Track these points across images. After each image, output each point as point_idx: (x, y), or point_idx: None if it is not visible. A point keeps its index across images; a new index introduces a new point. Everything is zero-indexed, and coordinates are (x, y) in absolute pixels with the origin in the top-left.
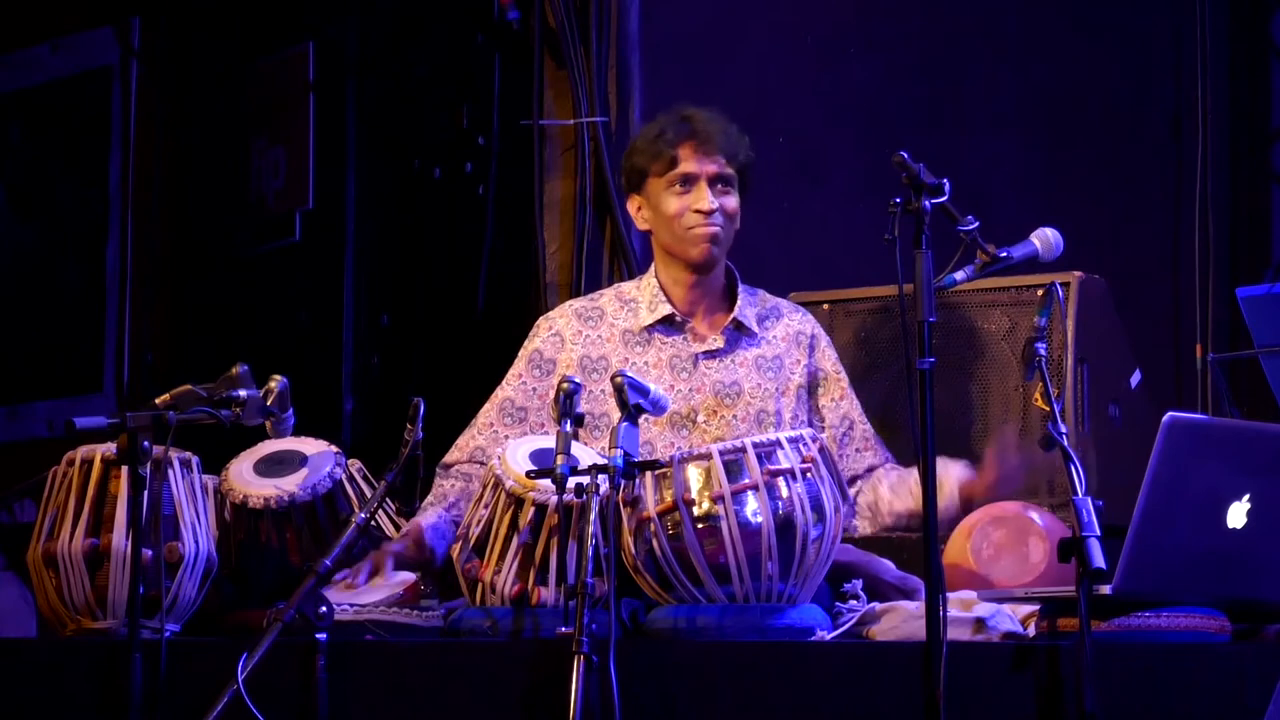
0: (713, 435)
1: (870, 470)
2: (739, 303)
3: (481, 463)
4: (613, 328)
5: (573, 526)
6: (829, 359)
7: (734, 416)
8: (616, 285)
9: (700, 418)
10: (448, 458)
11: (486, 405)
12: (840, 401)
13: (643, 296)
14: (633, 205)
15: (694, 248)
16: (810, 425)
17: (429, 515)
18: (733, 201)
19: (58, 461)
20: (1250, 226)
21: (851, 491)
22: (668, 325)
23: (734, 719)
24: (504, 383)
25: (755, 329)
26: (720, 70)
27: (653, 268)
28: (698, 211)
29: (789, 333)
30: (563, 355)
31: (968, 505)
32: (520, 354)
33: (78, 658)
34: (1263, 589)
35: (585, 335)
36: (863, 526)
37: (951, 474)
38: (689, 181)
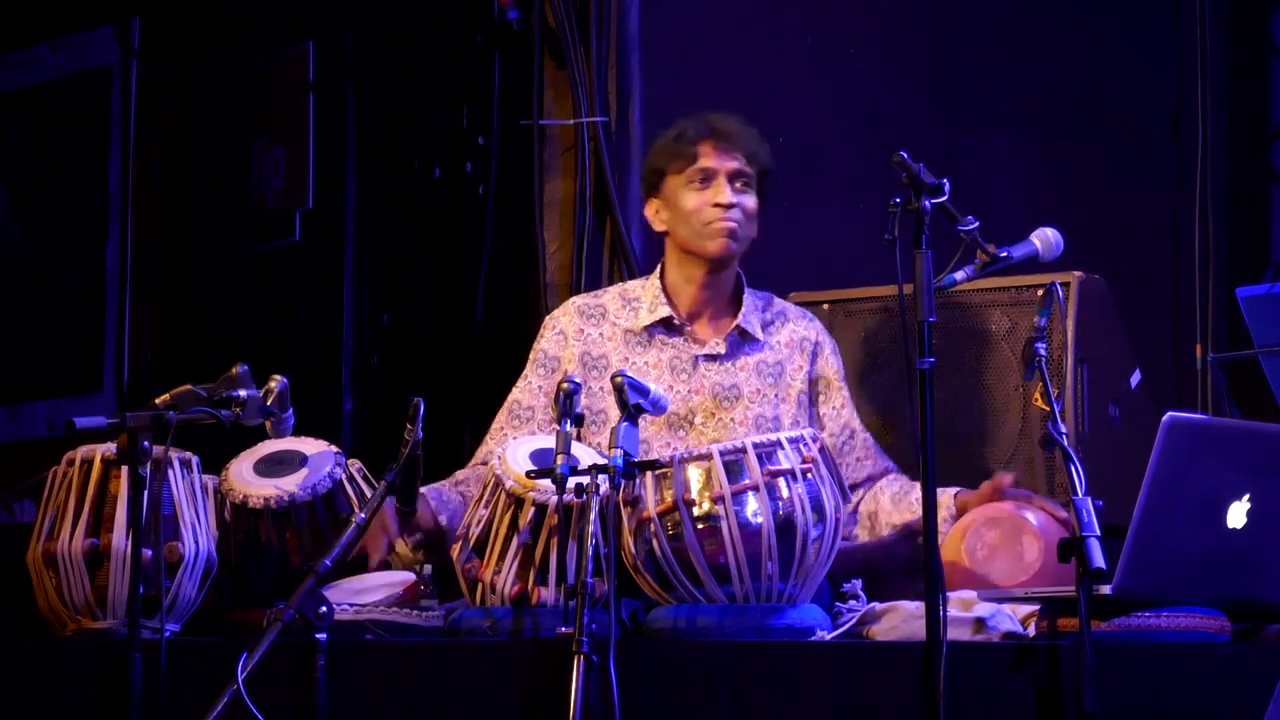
0: (709, 438)
1: (870, 479)
2: (744, 308)
3: None
4: (614, 326)
5: (573, 526)
6: (831, 366)
7: (732, 420)
8: (622, 284)
9: (698, 419)
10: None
11: (501, 410)
12: (841, 410)
13: (645, 296)
14: (650, 209)
15: (711, 242)
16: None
17: (429, 486)
18: (751, 201)
19: (58, 461)
20: (1250, 226)
21: (852, 497)
22: (668, 327)
23: (734, 719)
24: (516, 385)
25: (759, 335)
26: (720, 70)
27: (659, 268)
28: (717, 205)
29: (793, 339)
30: (565, 352)
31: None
32: (530, 356)
33: (78, 658)
34: (1263, 589)
35: (586, 333)
36: (861, 535)
37: (947, 492)
38: (709, 177)
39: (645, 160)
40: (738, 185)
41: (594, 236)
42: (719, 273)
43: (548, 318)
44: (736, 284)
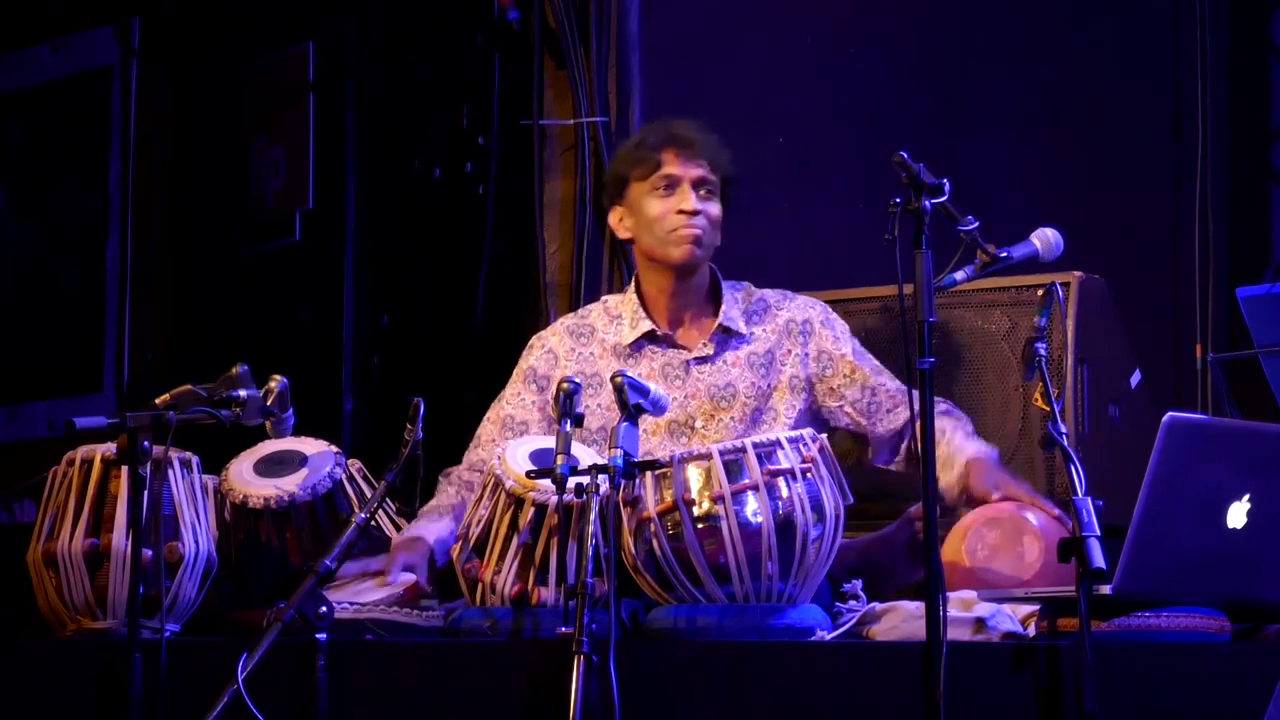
0: (712, 440)
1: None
2: (724, 305)
3: (481, 472)
4: (603, 343)
5: (573, 526)
6: (828, 338)
7: (731, 419)
8: (603, 299)
9: (698, 423)
10: (451, 469)
11: (488, 422)
12: (852, 375)
13: (625, 312)
14: (614, 217)
15: (676, 249)
16: (811, 418)
17: (439, 527)
18: (715, 209)
19: (58, 461)
20: (1250, 226)
21: (903, 446)
22: (653, 339)
23: (734, 719)
24: (503, 400)
25: (743, 329)
26: (720, 70)
27: (634, 280)
28: (681, 212)
29: (778, 324)
30: (557, 372)
31: (973, 498)
32: (515, 373)
33: (78, 658)
34: (1263, 589)
35: (578, 353)
36: (944, 477)
37: (967, 450)
38: (672, 184)
39: (609, 168)
40: (702, 193)
41: (594, 236)
42: (687, 279)
43: (535, 337)
44: (712, 282)
